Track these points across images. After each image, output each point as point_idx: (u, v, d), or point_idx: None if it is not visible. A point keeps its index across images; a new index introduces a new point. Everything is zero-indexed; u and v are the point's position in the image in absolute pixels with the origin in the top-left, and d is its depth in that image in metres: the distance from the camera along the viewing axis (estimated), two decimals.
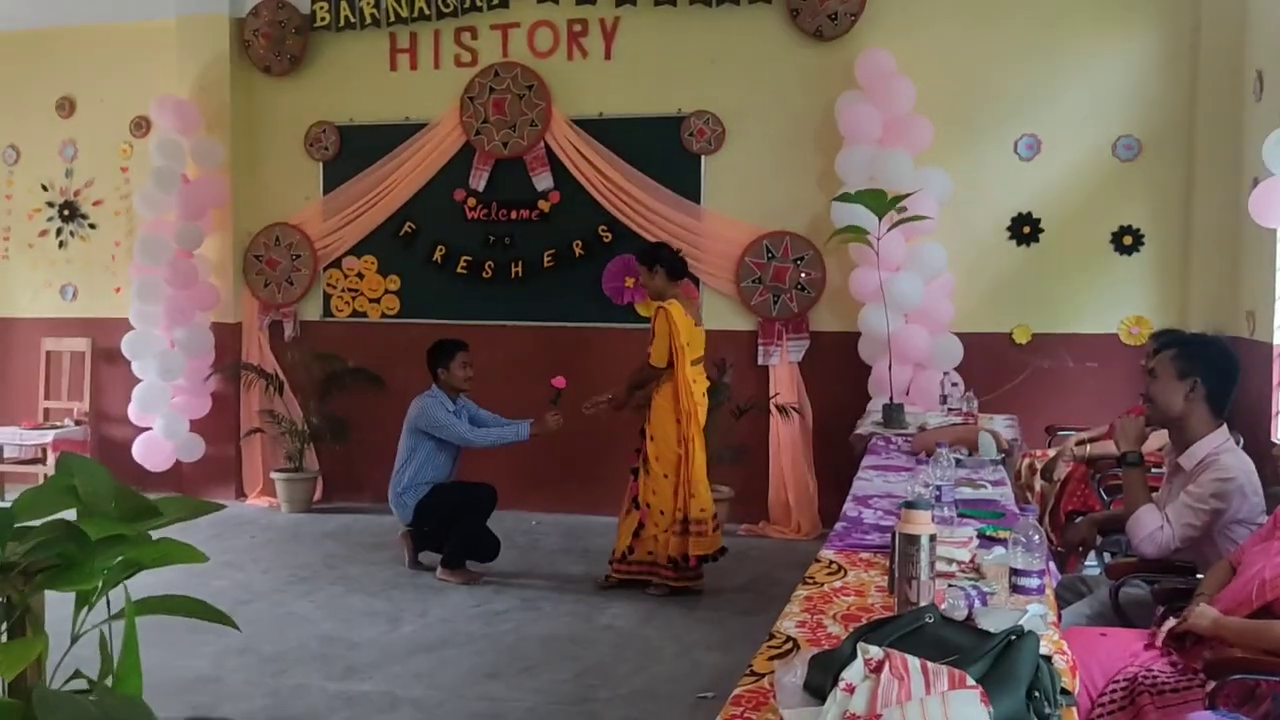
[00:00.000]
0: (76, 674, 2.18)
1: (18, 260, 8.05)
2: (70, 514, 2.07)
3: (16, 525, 2.16)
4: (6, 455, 7.50)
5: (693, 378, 5.28)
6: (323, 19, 7.25)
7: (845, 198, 5.77)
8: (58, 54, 7.85)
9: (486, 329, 7.03)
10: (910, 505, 2.07)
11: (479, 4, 7.01)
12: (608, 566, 5.48)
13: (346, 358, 7.24)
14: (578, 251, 6.95)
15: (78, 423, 7.69)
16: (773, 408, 6.59)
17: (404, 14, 7.11)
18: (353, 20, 7.20)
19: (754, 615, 4.92)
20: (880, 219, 5.61)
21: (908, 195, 5.67)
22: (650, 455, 5.29)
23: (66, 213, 7.90)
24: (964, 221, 6.34)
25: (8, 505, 2.14)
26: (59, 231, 7.94)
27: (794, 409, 6.56)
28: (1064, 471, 4.84)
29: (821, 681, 1.63)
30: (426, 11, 7.08)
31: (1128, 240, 6.24)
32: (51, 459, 7.31)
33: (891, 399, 5.49)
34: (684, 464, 5.24)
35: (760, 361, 6.71)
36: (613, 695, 4.10)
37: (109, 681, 1.68)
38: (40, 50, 7.89)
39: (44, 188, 7.95)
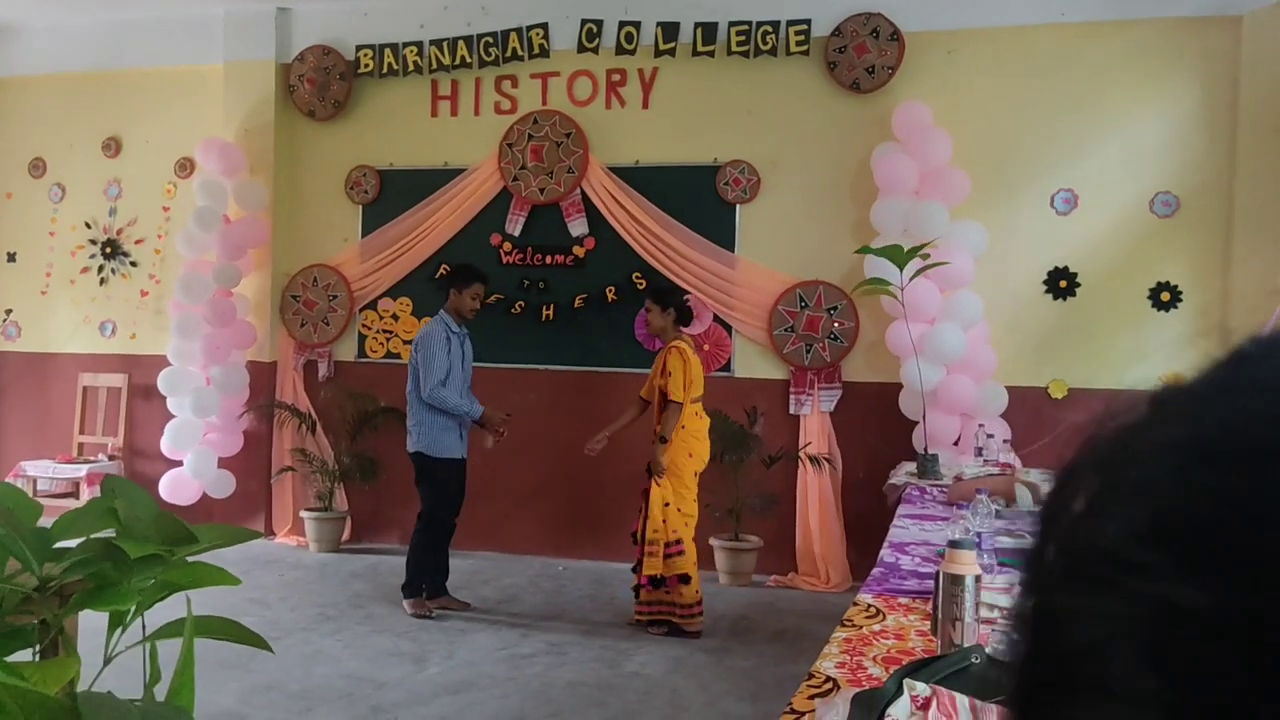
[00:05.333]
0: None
1: (58, 297, 8.16)
2: (108, 536, 2.07)
3: (54, 546, 2.15)
4: (40, 489, 7.55)
5: (694, 411, 5.42)
6: (366, 66, 7.38)
7: (864, 250, 5.87)
8: (107, 96, 8.02)
9: (519, 372, 7.05)
10: (955, 545, 2.03)
11: (520, 53, 7.12)
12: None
13: (379, 397, 7.26)
14: (610, 297, 6.97)
15: (111, 457, 7.74)
16: (803, 457, 6.55)
17: (446, 62, 7.22)
18: (396, 67, 7.32)
19: (784, 666, 4.84)
20: (901, 271, 5.62)
21: (925, 245, 5.68)
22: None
23: (108, 250, 8.03)
24: (1000, 274, 6.32)
25: (47, 526, 2.14)
26: (100, 269, 8.06)
27: (825, 459, 6.51)
28: None
29: (865, 719, 1.59)
30: (469, 60, 7.19)
31: (1165, 297, 6.19)
32: (85, 493, 7.35)
33: (926, 450, 5.43)
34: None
35: (792, 410, 6.67)
36: None
37: (156, 691, 1.67)
38: (90, 92, 8.06)
39: (87, 225, 8.09)
